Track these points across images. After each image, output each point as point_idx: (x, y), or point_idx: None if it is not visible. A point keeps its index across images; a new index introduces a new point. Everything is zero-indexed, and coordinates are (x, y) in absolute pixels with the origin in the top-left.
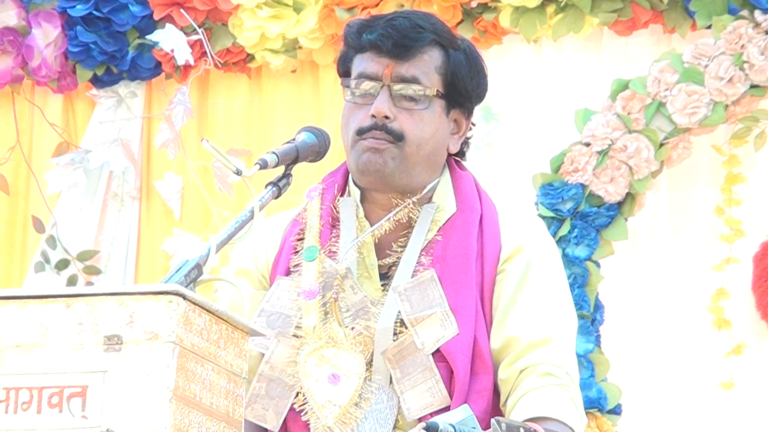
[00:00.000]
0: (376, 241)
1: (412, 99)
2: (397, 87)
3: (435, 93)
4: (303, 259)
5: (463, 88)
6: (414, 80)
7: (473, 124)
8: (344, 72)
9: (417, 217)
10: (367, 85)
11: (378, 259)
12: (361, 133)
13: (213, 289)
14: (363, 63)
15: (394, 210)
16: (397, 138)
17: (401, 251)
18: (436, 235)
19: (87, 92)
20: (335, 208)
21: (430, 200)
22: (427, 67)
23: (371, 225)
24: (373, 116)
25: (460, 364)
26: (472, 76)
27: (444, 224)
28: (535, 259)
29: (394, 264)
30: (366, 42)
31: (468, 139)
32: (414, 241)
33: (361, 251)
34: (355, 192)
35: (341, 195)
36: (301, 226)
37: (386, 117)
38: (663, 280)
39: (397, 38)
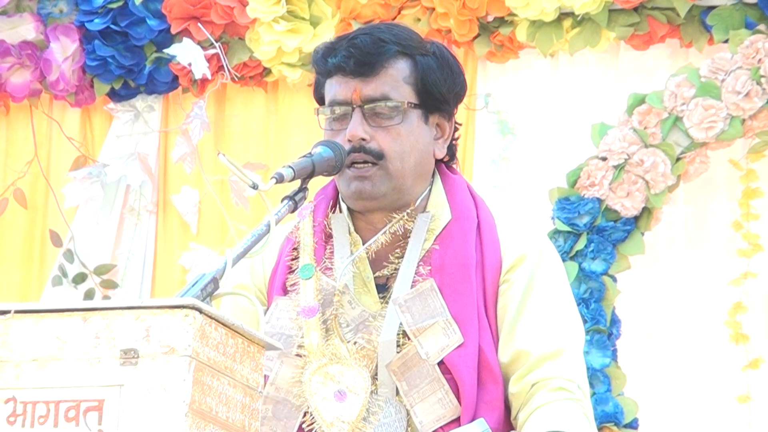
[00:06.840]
0: (372, 256)
1: (385, 116)
2: (368, 107)
3: (407, 105)
4: (299, 277)
5: (437, 92)
6: (383, 97)
7: (459, 124)
8: (320, 98)
9: (412, 228)
10: (339, 110)
11: (374, 271)
12: None
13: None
14: (332, 88)
15: (388, 225)
16: (378, 157)
17: (398, 262)
18: (433, 245)
19: (104, 106)
20: (328, 225)
21: (424, 209)
22: (395, 81)
23: (362, 239)
24: (350, 140)
25: (465, 376)
26: (445, 78)
27: (440, 233)
28: (538, 268)
29: (392, 275)
30: (331, 66)
31: (456, 140)
32: (411, 251)
33: (357, 265)
34: (345, 207)
35: (333, 211)
36: (294, 245)
37: (362, 139)
38: (680, 295)
39: (359, 57)
